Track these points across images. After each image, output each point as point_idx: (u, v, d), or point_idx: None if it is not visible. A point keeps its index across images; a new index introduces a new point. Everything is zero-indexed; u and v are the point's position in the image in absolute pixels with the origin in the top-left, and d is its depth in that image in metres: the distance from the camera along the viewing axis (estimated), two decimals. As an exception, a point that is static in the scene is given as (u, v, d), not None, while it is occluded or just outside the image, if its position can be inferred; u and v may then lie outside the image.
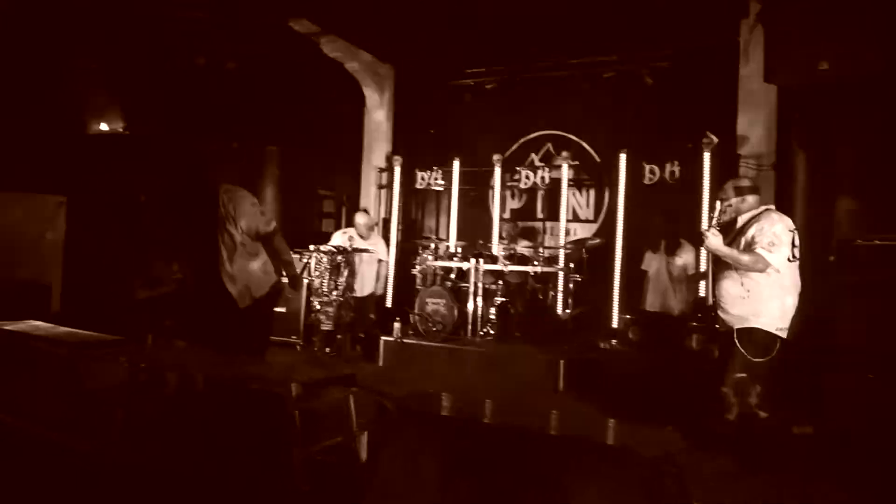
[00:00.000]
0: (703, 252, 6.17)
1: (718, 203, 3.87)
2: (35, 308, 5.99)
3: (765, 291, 3.60)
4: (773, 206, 3.89)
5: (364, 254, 6.64)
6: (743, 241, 3.70)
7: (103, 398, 3.56)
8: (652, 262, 6.23)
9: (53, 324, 4.49)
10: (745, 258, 3.61)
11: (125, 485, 2.94)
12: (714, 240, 3.65)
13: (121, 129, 7.25)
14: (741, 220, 3.82)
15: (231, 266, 3.86)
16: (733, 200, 3.82)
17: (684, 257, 6.09)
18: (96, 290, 6.91)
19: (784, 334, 3.66)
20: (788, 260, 3.61)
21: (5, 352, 4.04)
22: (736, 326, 3.66)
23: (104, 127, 7.30)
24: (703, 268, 6.08)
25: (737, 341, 3.62)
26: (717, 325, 3.95)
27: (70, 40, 6.96)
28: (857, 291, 4.29)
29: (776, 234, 3.60)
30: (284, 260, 4.11)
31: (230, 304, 3.85)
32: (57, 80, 7.26)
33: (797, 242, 3.68)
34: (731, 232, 3.85)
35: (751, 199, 3.82)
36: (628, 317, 5.75)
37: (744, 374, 3.60)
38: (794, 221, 3.81)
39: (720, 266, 3.81)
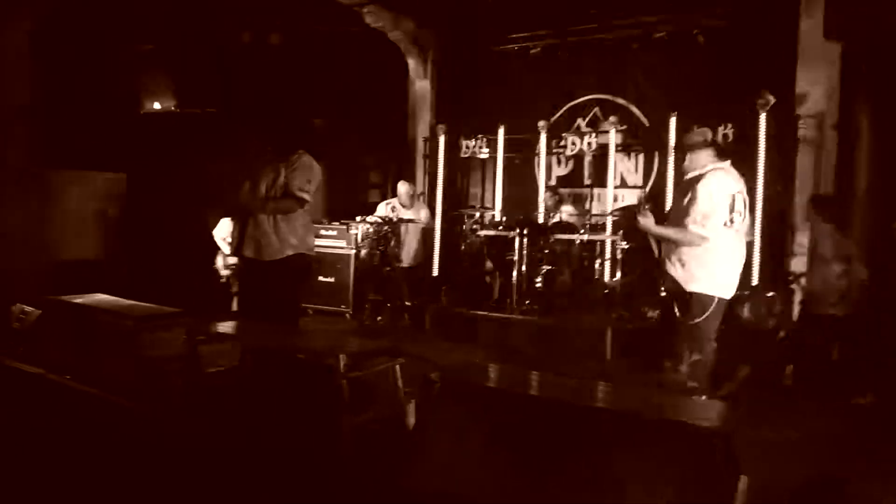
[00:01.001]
0: (759, 220, 5.97)
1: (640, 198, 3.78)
2: (101, 281, 6.30)
3: (700, 258, 3.52)
4: (724, 165, 3.63)
5: (409, 224, 6.70)
6: (684, 202, 3.58)
7: (165, 367, 3.74)
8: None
9: (119, 297, 4.71)
10: (677, 236, 3.56)
11: (182, 446, 3.10)
12: (645, 220, 3.60)
13: (173, 108, 7.44)
14: (687, 178, 3.66)
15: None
16: (688, 157, 3.68)
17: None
18: (158, 264, 7.20)
19: (724, 294, 3.57)
20: (726, 226, 3.47)
21: (75, 324, 4.27)
22: (674, 291, 3.63)
23: (157, 106, 7.52)
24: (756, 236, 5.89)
25: (675, 304, 3.59)
26: (661, 290, 3.92)
27: (123, 22, 7.15)
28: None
29: (708, 202, 3.46)
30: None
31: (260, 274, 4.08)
32: (113, 61, 7.49)
33: (739, 206, 3.51)
34: (684, 189, 3.70)
35: (701, 155, 3.61)
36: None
37: (684, 338, 3.58)
38: (856, 185, 3.60)
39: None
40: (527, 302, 6.40)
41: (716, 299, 3.53)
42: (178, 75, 7.51)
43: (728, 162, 3.68)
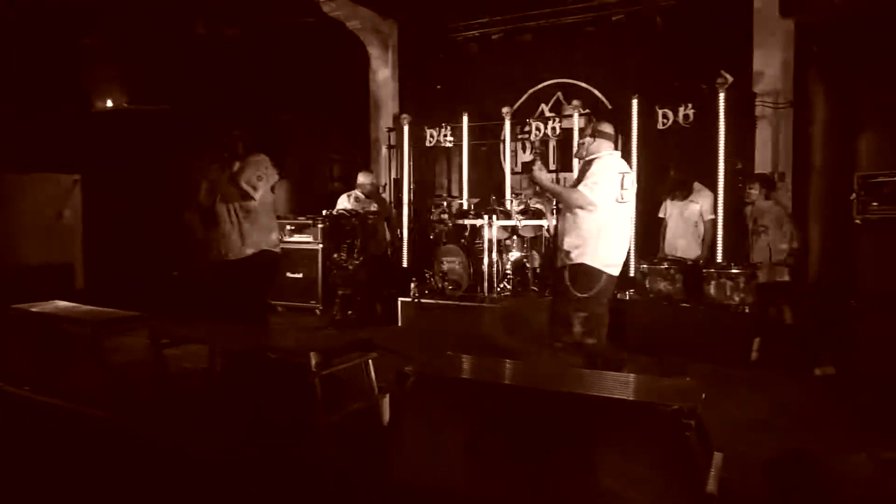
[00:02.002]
0: (721, 196, 6.08)
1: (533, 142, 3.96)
2: (59, 287, 6.11)
3: (591, 228, 3.71)
4: (616, 153, 3.96)
5: (373, 214, 6.65)
6: (576, 179, 3.93)
7: (129, 373, 3.65)
8: (668, 209, 6.13)
9: (77, 302, 4.57)
10: (566, 193, 3.84)
11: (150, 454, 3.03)
12: (539, 173, 3.88)
13: (125, 105, 7.20)
14: (584, 161, 3.95)
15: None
16: (587, 140, 3.93)
17: (700, 202, 5.98)
18: (117, 267, 7.01)
19: (612, 271, 3.77)
20: (617, 201, 3.74)
21: (33, 332, 4.13)
22: (566, 262, 3.80)
23: (109, 103, 7.27)
24: (719, 214, 6.00)
25: (566, 276, 3.76)
26: (555, 261, 4.07)
27: (69, 15, 6.88)
28: (880, 228, 4.20)
29: (601, 174, 3.73)
30: None
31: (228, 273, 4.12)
32: (59, 57, 7.21)
33: (628, 185, 3.78)
34: (582, 170, 3.97)
35: (603, 143, 3.89)
36: (645, 266, 5.69)
37: (571, 308, 3.73)
38: (812, 158, 3.76)
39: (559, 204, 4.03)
40: (498, 289, 6.41)
41: (604, 274, 3.74)
42: (129, 71, 7.26)
43: (619, 153, 4.00)
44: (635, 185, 3.90)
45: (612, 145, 3.95)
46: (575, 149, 4.04)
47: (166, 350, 3.58)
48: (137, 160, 7.21)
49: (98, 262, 7.30)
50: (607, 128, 4.01)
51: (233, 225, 4.18)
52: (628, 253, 5.76)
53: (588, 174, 3.78)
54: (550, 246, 5.71)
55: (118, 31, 7.17)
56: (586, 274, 3.71)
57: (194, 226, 5.07)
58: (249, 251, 4.20)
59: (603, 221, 3.71)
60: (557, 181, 7.33)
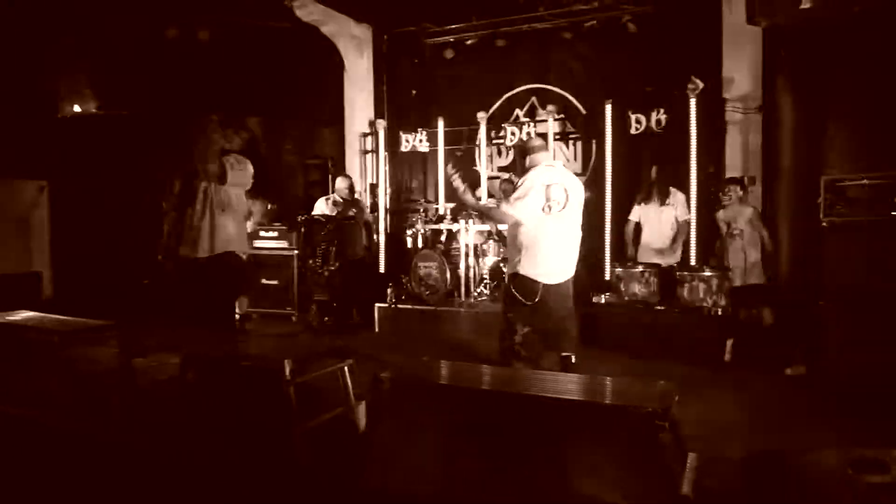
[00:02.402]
0: (693, 200, 6.17)
1: (450, 167, 4.33)
2: (26, 296, 5.96)
3: (523, 241, 3.85)
4: (554, 163, 4.07)
5: (351, 219, 6.61)
6: None
7: (98, 383, 3.57)
8: (640, 213, 6.18)
9: (45, 312, 4.47)
10: (491, 212, 4.06)
11: (123, 465, 2.96)
12: (464, 195, 4.05)
13: (94, 110, 7.06)
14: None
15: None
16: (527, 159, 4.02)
17: (676, 206, 6.05)
18: (86, 275, 6.86)
19: (549, 280, 3.87)
20: (543, 211, 3.83)
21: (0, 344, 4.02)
22: (508, 272, 4.02)
23: (77, 108, 7.12)
24: (692, 217, 6.08)
25: (507, 285, 3.95)
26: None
27: (40, 20, 6.74)
28: (845, 231, 4.29)
29: (523, 190, 3.82)
30: None
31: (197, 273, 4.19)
32: (24, 61, 7.06)
33: (557, 196, 3.85)
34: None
35: (536, 157, 3.97)
36: (619, 269, 5.74)
37: (511, 314, 3.89)
38: (781, 162, 3.83)
39: None
40: (475, 293, 6.42)
41: (540, 284, 3.83)
42: (98, 75, 7.12)
43: (560, 163, 4.11)
44: (572, 194, 3.93)
45: (546, 156, 4.03)
46: (452, 170, 4.20)
47: (137, 359, 3.50)
48: (107, 166, 7.07)
49: (67, 270, 7.15)
50: (535, 141, 4.14)
51: (206, 224, 4.21)
52: (599, 258, 5.88)
53: (516, 188, 3.92)
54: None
55: (86, 35, 7.03)
56: (522, 284, 3.85)
57: (169, 219, 5.11)
58: (219, 250, 4.26)
59: (534, 234, 3.83)
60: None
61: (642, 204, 6.14)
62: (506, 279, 4.04)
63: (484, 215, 4.11)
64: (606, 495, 2.20)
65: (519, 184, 3.90)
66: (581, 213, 4.05)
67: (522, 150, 4.09)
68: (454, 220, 6.71)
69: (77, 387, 3.55)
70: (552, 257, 3.88)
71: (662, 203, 6.02)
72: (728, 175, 6.10)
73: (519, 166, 4.13)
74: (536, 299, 3.81)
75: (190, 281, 4.37)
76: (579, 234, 4.06)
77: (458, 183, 4.08)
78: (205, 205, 4.32)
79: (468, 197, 4.09)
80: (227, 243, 4.33)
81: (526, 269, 3.84)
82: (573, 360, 3.92)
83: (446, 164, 4.27)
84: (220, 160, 4.37)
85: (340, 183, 6.95)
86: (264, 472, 2.79)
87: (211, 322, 4.12)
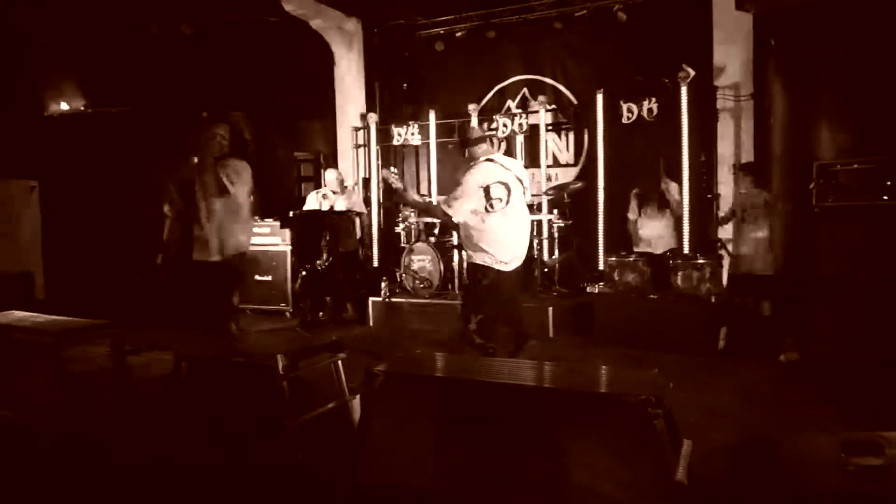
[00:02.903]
0: (686, 188, 6.16)
1: (387, 170, 4.42)
2: (18, 297, 5.92)
3: (472, 234, 4.09)
4: (495, 156, 4.19)
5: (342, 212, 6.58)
6: None
7: (91, 383, 3.55)
8: (639, 208, 6.11)
9: (37, 312, 4.43)
10: (431, 209, 4.32)
11: (115, 464, 2.95)
12: (404, 194, 4.30)
13: (82, 108, 7.00)
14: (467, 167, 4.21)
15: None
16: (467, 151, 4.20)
17: (671, 195, 6.03)
18: (78, 274, 6.82)
19: (503, 267, 4.09)
20: (486, 210, 4.04)
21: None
22: (469, 263, 4.24)
23: (64, 106, 7.06)
24: (685, 205, 6.08)
25: (465, 274, 4.26)
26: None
27: (25, 17, 6.67)
28: (838, 215, 4.30)
29: (461, 189, 4.02)
30: None
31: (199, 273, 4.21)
32: (13, 59, 6.99)
33: (498, 194, 4.02)
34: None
35: (478, 149, 4.14)
36: (613, 259, 5.73)
37: (465, 302, 4.25)
38: (773, 148, 3.86)
39: None
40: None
41: (492, 270, 4.06)
42: (85, 72, 7.05)
43: (500, 153, 4.27)
44: (513, 186, 4.05)
45: (484, 149, 4.16)
46: (393, 170, 4.46)
47: (129, 358, 3.49)
48: (96, 164, 7.02)
49: (58, 270, 7.10)
50: (473, 133, 4.29)
51: (214, 227, 4.22)
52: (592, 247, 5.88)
53: (456, 187, 4.12)
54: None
55: (73, 31, 6.97)
56: (475, 270, 4.14)
57: (171, 225, 5.22)
58: (231, 252, 4.33)
59: (481, 228, 4.05)
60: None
61: (639, 201, 6.02)
62: (469, 266, 4.25)
63: (424, 212, 4.30)
64: (601, 483, 2.20)
65: (460, 180, 4.05)
66: (527, 197, 4.23)
67: (462, 143, 4.20)
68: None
69: (70, 387, 3.53)
70: (503, 247, 4.06)
71: (661, 206, 5.92)
72: (720, 162, 6.10)
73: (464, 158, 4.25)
74: (488, 285, 4.03)
75: (200, 282, 4.38)
76: (528, 220, 4.24)
77: (396, 184, 4.26)
78: (210, 211, 4.34)
79: (408, 195, 4.37)
80: (237, 246, 4.39)
81: (478, 258, 4.06)
82: (529, 341, 4.21)
83: (384, 167, 4.47)
84: (218, 177, 4.33)
85: (329, 175, 6.91)
86: (257, 466, 2.78)
87: (215, 321, 4.17)
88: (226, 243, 4.36)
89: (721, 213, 5.68)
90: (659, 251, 5.81)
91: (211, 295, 4.41)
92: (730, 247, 5.59)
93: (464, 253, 4.43)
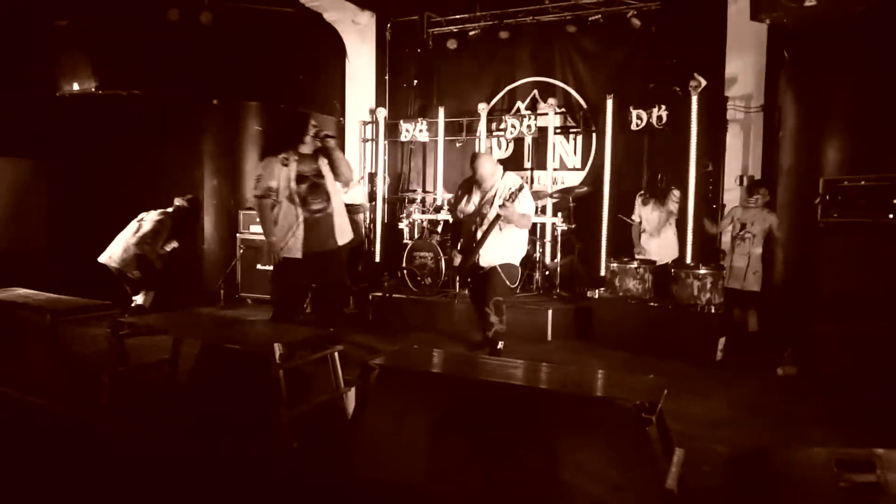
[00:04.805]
0: (691, 197, 6.14)
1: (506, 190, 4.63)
2: (22, 275, 5.93)
3: (516, 238, 4.70)
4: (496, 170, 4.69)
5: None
6: (502, 199, 4.59)
7: (89, 363, 3.56)
8: (642, 212, 6.11)
9: (40, 290, 4.45)
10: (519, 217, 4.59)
11: (111, 447, 2.96)
12: (506, 210, 4.54)
13: (93, 90, 7.01)
14: (489, 182, 4.67)
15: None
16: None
17: (672, 203, 6.01)
18: (82, 255, 6.82)
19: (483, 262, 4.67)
20: (461, 212, 4.82)
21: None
22: (496, 263, 4.65)
23: (76, 87, 7.07)
24: (688, 213, 6.06)
25: (500, 272, 4.63)
26: (479, 266, 4.73)
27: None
28: (842, 232, 4.28)
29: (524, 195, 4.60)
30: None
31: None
32: (24, 39, 7.01)
33: (473, 199, 4.77)
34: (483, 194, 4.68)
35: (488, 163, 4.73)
36: (615, 264, 5.72)
37: (500, 298, 4.66)
38: (782, 163, 3.85)
39: (481, 222, 4.66)
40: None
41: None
42: (99, 55, 7.05)
43: (509, 154, 4.60)
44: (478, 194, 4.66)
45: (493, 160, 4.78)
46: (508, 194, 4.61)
47: (128, 340, 3.49)
48: (105, 146, 7.03)
49: (63, 250, 7.11)
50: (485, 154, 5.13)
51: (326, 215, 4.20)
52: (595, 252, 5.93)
53: (519, 200, 4.60)
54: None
55: (88, 13, 6.98)
56: (513, 270, 4.80)
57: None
58: (344, 240, 4.28)
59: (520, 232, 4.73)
60: (532, 180, 7.38)
61: (643, 204, 6.02)
62: (492, 269, 4.71)
63: (518, 222, 4.61)
64: (591, 487, 2.20)
65: (522, 196, 4.55)
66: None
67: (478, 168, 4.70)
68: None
69: (67, 366, 3.54)
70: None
71: (663, 205, 5.91)
72: (727, 174, 6.08)
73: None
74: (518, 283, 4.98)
75: (322, 272, 4.24)
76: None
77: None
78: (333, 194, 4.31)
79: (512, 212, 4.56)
80: (344, 235, 4.29)
81: (515, 259, 4.78)
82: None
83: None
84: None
85: None
86: (251, 455, 2.79)
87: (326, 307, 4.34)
88: (346, 226, 4.31)
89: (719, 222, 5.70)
90: (663, 261, 5.79)
91: (339, 280, 4.34)
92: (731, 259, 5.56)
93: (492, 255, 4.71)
